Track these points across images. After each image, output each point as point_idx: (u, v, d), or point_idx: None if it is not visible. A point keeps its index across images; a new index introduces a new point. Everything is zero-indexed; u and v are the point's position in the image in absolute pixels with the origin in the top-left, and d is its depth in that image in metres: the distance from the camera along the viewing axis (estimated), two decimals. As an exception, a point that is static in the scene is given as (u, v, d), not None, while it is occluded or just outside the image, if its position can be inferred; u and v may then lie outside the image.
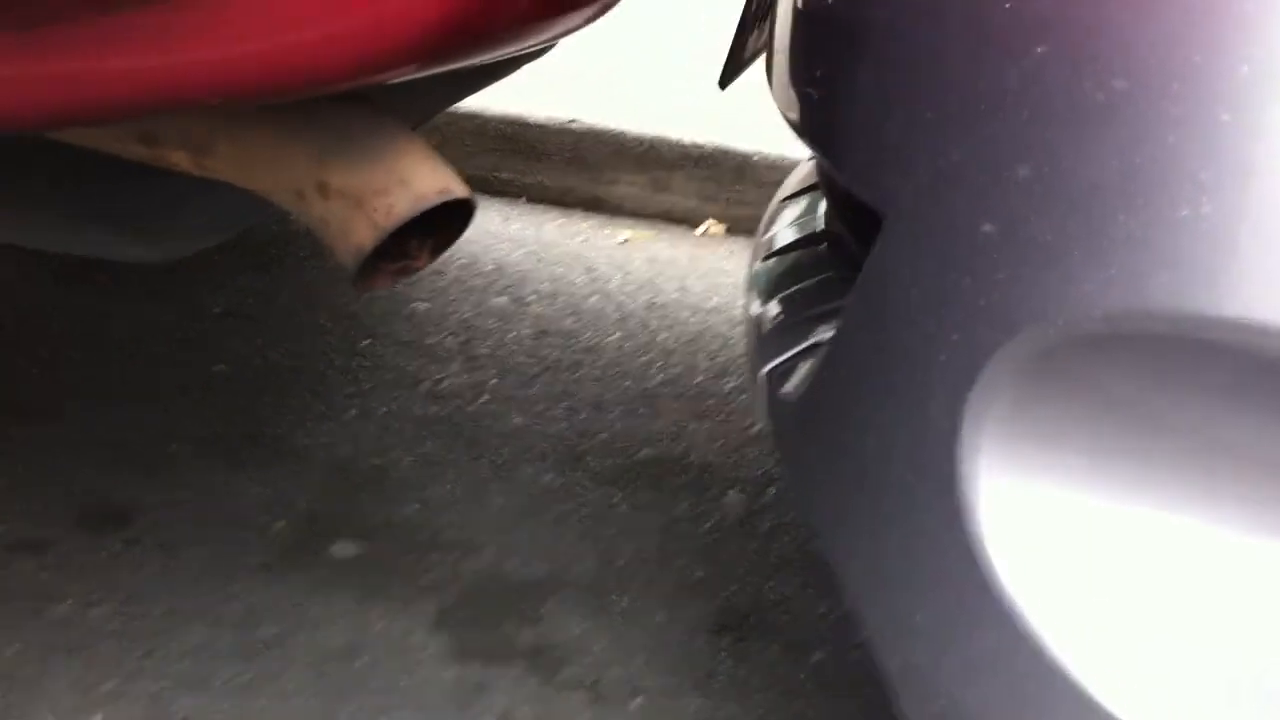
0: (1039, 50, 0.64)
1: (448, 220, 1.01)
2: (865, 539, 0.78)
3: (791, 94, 0.99)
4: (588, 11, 0.96)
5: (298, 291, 1.92)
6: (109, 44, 0.79)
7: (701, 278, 2.15)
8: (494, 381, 1.73)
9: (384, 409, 1.63)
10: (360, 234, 0.93)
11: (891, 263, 0.75)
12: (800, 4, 0.99)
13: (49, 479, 1.41)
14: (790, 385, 0.93)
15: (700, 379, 1.82)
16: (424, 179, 0.94)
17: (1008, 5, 0.65)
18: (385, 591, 1.31)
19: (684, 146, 2.38)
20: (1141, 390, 0.65)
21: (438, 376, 1.73)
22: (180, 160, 0.97)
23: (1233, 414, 0.64)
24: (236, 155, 0.96)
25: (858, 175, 0.80)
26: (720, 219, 2.38)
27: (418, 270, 1.01)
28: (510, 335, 1.87)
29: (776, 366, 0.96)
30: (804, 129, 0.97)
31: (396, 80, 0.85)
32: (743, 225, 2.34)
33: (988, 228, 0.65)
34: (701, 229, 2.36)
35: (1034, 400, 0.67)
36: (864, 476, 0.77)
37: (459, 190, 0.96)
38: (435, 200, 0.95)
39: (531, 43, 0.94)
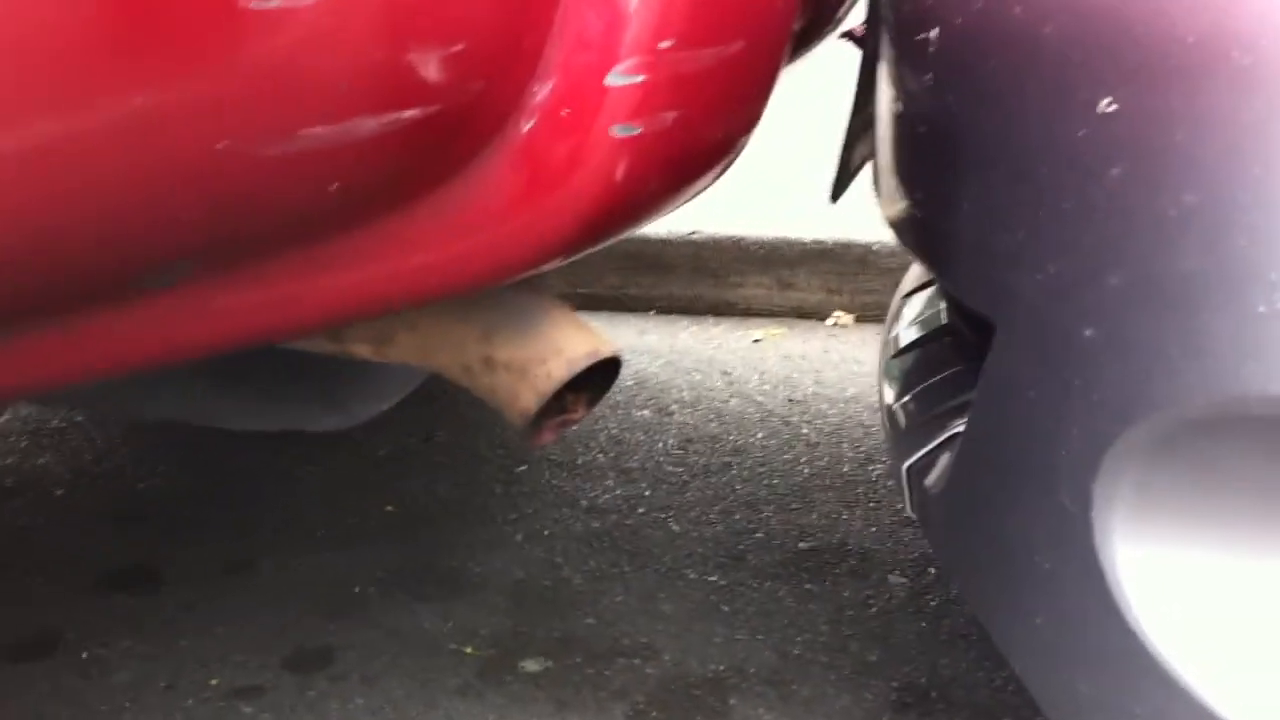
0: (1114, 172, 0.71)
1: (598, 375, 1.13)
2: (1020, 620, 0.83)
3: (896, 210, 1.06)
4: (717, 171, 1.07)
5: (454, 425, 2.02)
6: (336, 265, 0.91)
7: (835, 369, 2.22)
8: (648, 493, 1.81)
9: (547, 530, 1.71)
10: (524, 400, 1.07)
11: (1007, 367, 0.81)
12: (900, 125, 1.07)
13: (252, 628, 1.51)
14: (931, 479, 0.99)
15: (847, 468, 1.88)
16: (575, 344, 1.07)
17: (1081, 133, 0.72)
18: (577, 700, 1.38)
19: (805, 244, 2.46)
20: (1249, 463, 0.71)
21: (593, 493, 1.80)
22: (363, 351, 1.10)
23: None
24: (414, 342, 1.08)
25: (964, 287, 0.87)
26: (848, 309, 2.45)
27: (577, 422, 1.14)
28: (658, 446, 1.95)
29: (916, 462, 1.03)
30: (911, 243, 1.04)
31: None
32: (870, 313, 2.40)
33: (1089, 333, 0.72)
34: (831, 320, 2.43)
35: (1155, 480, 0.72)
36: (1010, 562, 0.83)
37: (606, 350, 1.09)
38: (587, 362, 1.09)
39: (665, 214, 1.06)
